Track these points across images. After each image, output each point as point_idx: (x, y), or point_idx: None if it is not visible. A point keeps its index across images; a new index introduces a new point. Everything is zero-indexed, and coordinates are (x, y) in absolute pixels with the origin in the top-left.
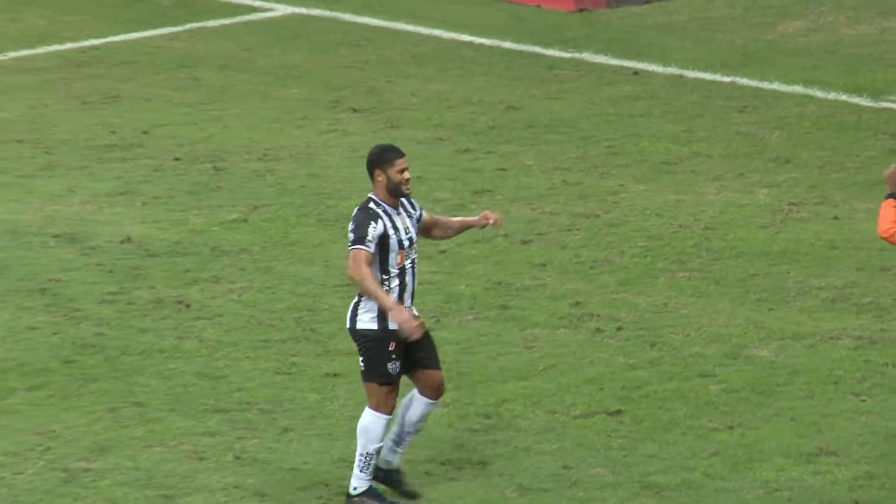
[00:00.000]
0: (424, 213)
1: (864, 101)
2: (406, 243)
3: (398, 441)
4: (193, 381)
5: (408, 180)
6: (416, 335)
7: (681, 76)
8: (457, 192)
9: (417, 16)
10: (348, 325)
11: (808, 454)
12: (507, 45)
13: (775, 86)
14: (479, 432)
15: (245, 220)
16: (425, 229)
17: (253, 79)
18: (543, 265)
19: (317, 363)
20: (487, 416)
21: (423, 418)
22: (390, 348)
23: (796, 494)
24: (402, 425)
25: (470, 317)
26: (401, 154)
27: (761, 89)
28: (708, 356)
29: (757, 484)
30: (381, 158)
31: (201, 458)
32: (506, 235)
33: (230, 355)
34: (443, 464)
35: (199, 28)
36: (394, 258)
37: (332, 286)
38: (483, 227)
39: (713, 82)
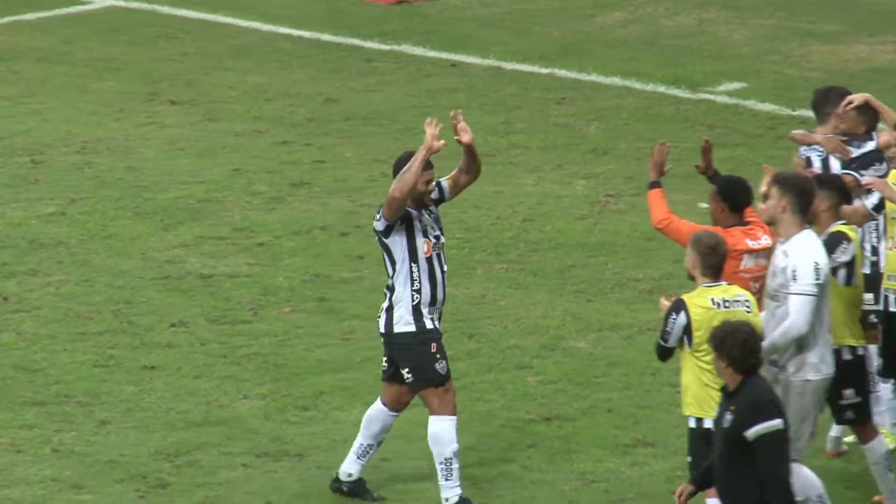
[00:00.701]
0: (444, 181)
1: (682, 93)
2: (433, 239)
3: (363, 454)
4: (11, 374)
5: (431, 191)
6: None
7: (499, 68)
8: (275, 185)
9: (236, 8)
10: (383, 331)
11: (626, 445)
12: (326, 37)
13: (593, 77)
14: (297, 424)
15: (63, 213)
16: (455, 188)
17: (71, 71)
18: (361, 257)
19: (134, 356)
20: (305, 409)
21: (387, 430)
22: (432, 349)
23: (613, 486)
24: (367, 437)
25: (287, 309)
26: (430, 165)
27: (579, 81)
28: (525, 348)
29: (574, 475)
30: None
31: (19, 451)
32: (324, 228)
33: (48, 348)
34: (259, 456)
35: (17, 21)
36: (421, 245)
37: (150, 279)
38: (462, 142)
39: (531, 74)
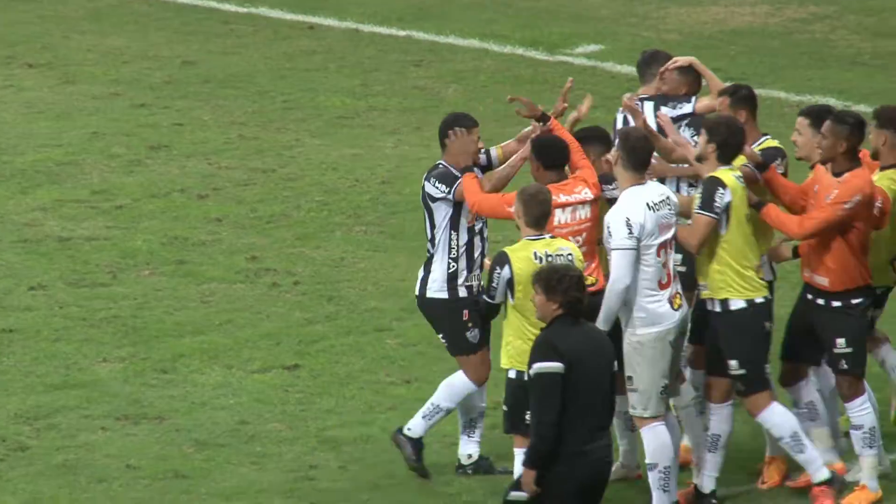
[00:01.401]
0: (493, 150)
1: (540, 55)
2: None
3: (472, 427)
4: None
5: (480, 149)
6: None
7: (356, 30)
8: (132, 148)
9: None
10: (417, 294)
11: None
12: (183, 0)
13: (451, 39)
14: (156, 387)
15: None
16: (503, 160)
17: None
18: (220, 220)
19: None
20: (164, 371)
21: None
22: (464, 318)
23: None
24: (466, 412)
25: (146, 272)
26: (475, 123)
27: (437, 43)
28: (385, 310)
29: (434, 437)
30: (456, 125)
31: None
32: (182, 190)
33: None
34: (119, 419)
35: None
36: (465, 214)
37: (8, 242)
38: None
39: (389, 36)
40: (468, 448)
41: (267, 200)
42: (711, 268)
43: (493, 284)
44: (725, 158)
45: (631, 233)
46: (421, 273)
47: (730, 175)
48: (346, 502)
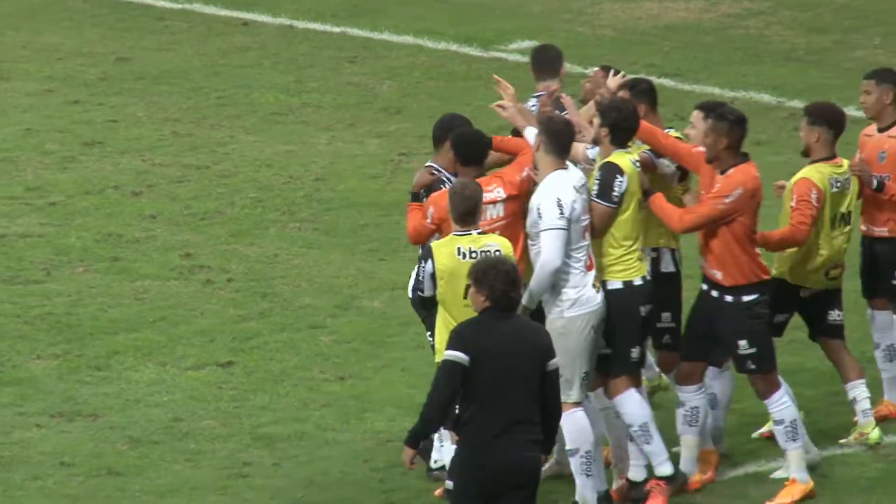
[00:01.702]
0: None
1: (473, 51)
2: None
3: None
4: None
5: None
6: None
7: (291, 27)
8: (66, 144)
9: None
10: (410, 297)
11: (420, 405)
12: None
13: (385, 36)
14: (90, 384)
15: None
16: None
17: None
18: (154, 217)
19: None
20: (98, 369)
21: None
22: None
23: None
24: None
25: (80, 269)
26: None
27: (371, 39)
28: (319, 307)
29: (368, 435)
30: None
31: None
32: (116, 187)
33: None
34: (53, 416)
35: None
36: None
37: None
38: None
39: (323, 33)
40: (438, 454)
41: (201, 197)
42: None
43: (420, 278)
44: (619, 142)
45: (562, 213)
46: (413, 273)
47: (626, 159)
48: (280, 499)
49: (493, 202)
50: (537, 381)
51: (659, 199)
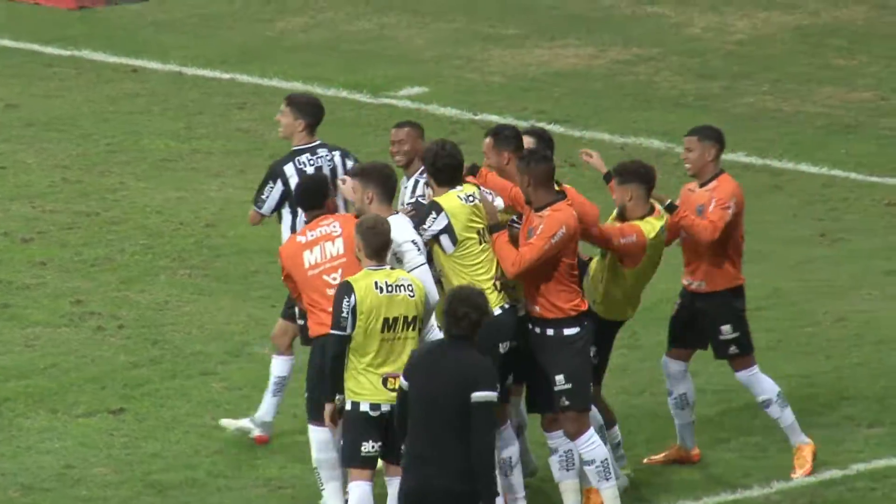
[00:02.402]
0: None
1: (363, 98)
2: None
3: None
4: None
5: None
6: None
7: (180, 73)
8: None
9: None
10: None
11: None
12: (5, 42)
13: (275, 82)
14: None
15: None
16: None
17: None
18: (44, 263)
19: None
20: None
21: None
22: None
23: (299, 491)
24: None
25: None
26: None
27: (261, 86)
28: (210, 354)
29: (260, 482)
30: None
31: None
32: (6, 234)
33: None
34: None
35: None
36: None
37: None
38: None
39: (213, 79)
40: None
41: (91, 244)
42: None
43: (344, 314)
44: (442, 182)
45: (420, 251)
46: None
47: (452, 196)
48: None
49: (331, 238)
50: (457, 412)
51: (499, 239)
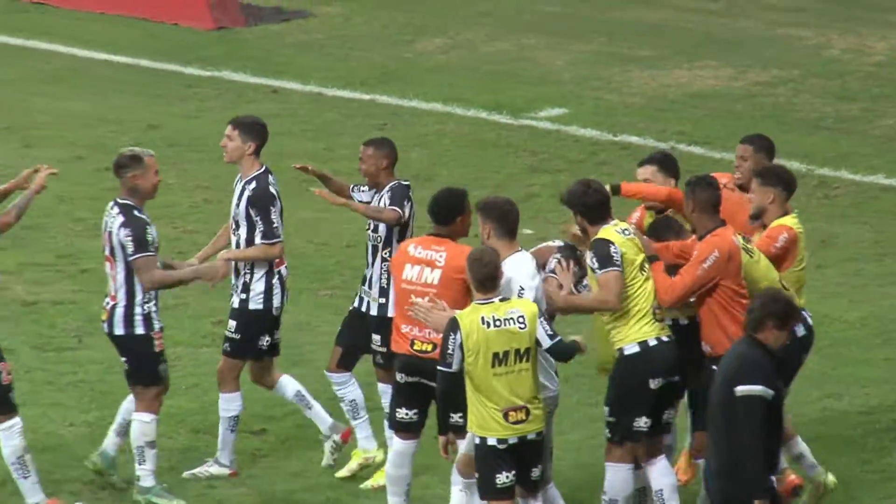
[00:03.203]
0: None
1: (503, 119)
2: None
3: None
4: None
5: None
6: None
7: (320, 94)
8: (98, 211)
9: (52, 33)
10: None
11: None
12: (145, 62)
13: (415, 103)
14: (124, 452)
15: None
16: None
17: None
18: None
19: None
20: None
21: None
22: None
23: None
24: None
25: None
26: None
27: (401, 107)
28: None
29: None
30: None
31: None
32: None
33: None
34: (86, 484)
35: None
36: None
37: None
38: None
39: (352, 100)
40: None
41: None
42: None
43: (450, 351)
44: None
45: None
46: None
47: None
48: None
49: (433, 265)
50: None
51: (655, 270)
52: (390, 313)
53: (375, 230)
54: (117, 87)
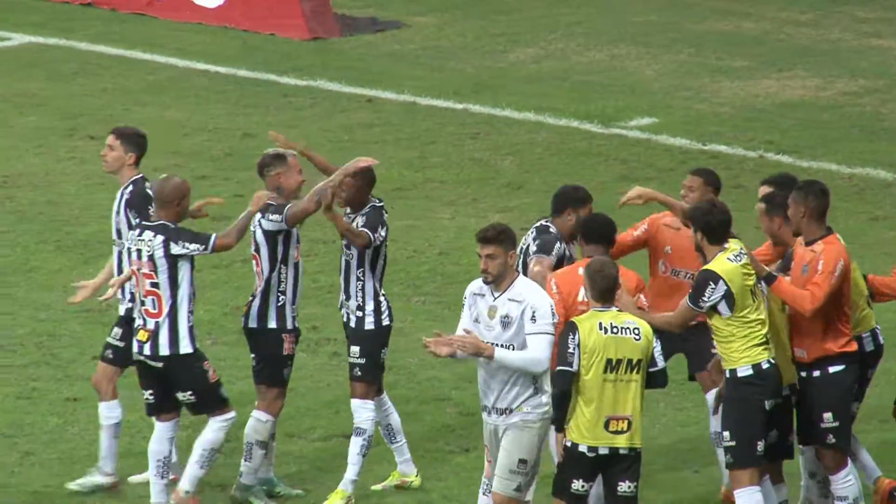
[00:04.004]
0: None
1: (594, 128)
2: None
3: None
4: None
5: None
6: None
7: (414, 103)
8: (194, 219)
9: (153, 44)
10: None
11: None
12: (242, 72)
13: (507, 112)
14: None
15: None
16: None
17: None
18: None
19: (57, 388)
20: (227, 441)
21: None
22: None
23: None
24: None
25: (209, 342)
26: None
27: (494, 116)
28: (443, 379)
29: None
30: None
31: None
32: (244, 261)
33: None
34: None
35: None
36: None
37: (72, 312)
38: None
39: (446, 109)
40: None
41: (326, 271)
42: None
43: (571, 351)
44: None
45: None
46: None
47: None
48: None
49: None
50: None
51: (782, 285)
52: (367, 326)
53: (349, 248)
54: (215, 97)
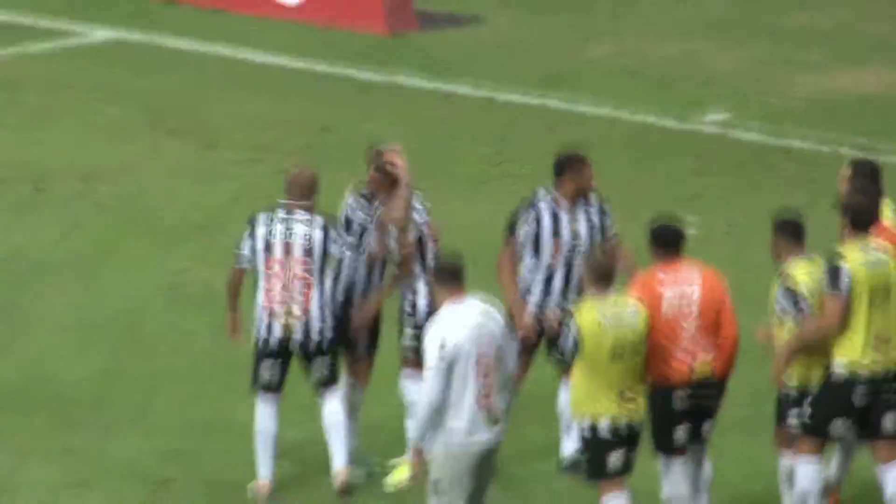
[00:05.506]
0: None
1: (669, 122)
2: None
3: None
4: (22, 382)
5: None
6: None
7: (491, 99)
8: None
9: (232, 39)
10: None
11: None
12: (321, 67)
13: (584, 107)
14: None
15: (67, 238)
16: None
17: (73, 101)
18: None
19: (142, 364)
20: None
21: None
22: None
23: None
24: None
25: None
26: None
27: (570, 111)
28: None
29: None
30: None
31: (25, 454)
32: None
33: (57, 357)
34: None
35: (22, 52)
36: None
37: (156, 292)
38: None
39: (523, 105)
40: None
41: None
42: None
43: (576, 339)
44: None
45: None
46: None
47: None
48: None
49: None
50: None
51: None
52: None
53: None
54: (293, 91)
